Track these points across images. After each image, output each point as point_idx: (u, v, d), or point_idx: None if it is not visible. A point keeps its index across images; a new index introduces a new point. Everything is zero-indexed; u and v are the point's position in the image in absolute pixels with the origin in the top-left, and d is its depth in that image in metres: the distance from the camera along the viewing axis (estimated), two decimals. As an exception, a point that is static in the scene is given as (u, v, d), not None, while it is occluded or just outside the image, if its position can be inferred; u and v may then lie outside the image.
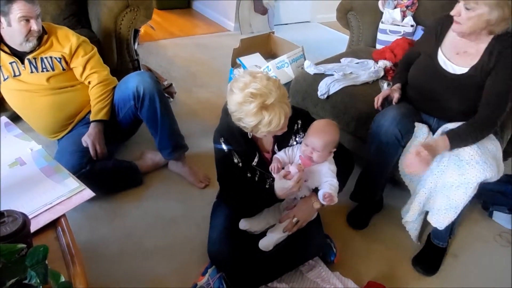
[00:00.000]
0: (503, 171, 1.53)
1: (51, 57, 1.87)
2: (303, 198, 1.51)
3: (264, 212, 1.55)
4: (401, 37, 2.53)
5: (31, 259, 0.81)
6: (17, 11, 1.68)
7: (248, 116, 1.27)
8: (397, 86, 1.81)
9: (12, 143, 1.48)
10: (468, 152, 1.49)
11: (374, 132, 1.70)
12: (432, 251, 1.79)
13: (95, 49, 2.01)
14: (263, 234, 1.52)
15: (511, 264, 1.83)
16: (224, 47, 3.64)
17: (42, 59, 1.85)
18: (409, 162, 1.51)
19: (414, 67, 1.75)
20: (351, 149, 1.99)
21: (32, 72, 1.85)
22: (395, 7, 2.65)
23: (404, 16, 2.64)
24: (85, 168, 1.79)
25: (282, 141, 1.49)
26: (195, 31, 4.27)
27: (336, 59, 2.45)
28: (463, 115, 1.59)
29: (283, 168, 1.42)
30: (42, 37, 1.84)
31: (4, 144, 1.45)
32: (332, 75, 2.18)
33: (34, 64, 1.85)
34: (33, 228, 1.07)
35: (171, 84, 2.84)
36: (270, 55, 3.02)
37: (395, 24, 2.62)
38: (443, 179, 1.54)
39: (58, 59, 1.88)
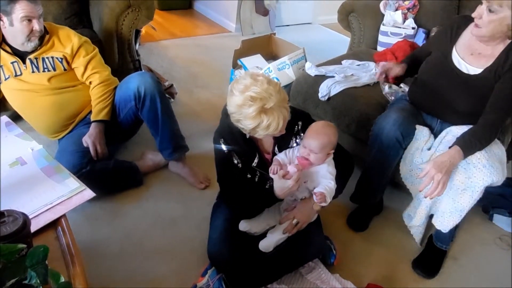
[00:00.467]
0: (506, 175, 1.53)
1: (52, 57, 1.87)
2: (303, 199, 1.52)
3: (264, 213, 1.55)
4: (402, 39, 2.53)
5: (31, 259, 0.80)
6: (19, 11, 1.69)
7: (247, 119, 1.28)
8: (402, 65, 1.77)
9: (13, 143, 1.48)
10: (476, 156, 1.49)
11: (375, 134, 1.70)
12: (433, 254, 1.79)
13: (97, 49, 2.01)
14: (263, 235, 1.52)
15: (511, 267, 1.82)
16: (225, 48, 3.64)
17: (43, 59, 1.85)
18: (429, 192, 1.47)
19: (425, 64, 1.73)
20: (352, 151, 1.99)
21: (33, 72, 1.85)
22: (397, 9, 2.66)
23: (405, 18, 2.65)
24: (86, 168, 1.79)
25: (282, 142, 1.49)
26: (196, 32, 4.27)
27: (337, 61, 2.45)
28: (468, 117, 1.59)
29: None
30: (44, 37, 1.85)
31: (4, 144, 1.45)
32: (333, 77, 2.18)
33: (36, 64, 1.85)
34: (33, 228, 1.06)
35: (172, 85, 2.84)
36: (271, 56, 3.02)
37: (397, 26, 2.62)
38: (449, 182, 1.54)
39: (60, 59, 1.89)
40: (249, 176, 1.49)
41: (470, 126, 1.57)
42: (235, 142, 1.46)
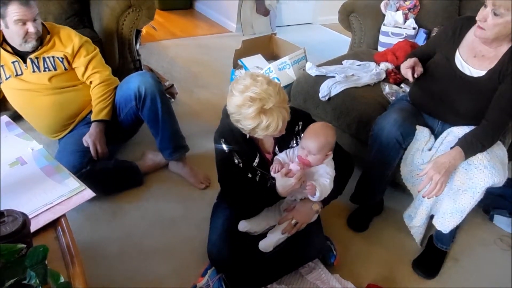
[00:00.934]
0: (507, 176, 1.52)
1: (53, 57, 1.87)
2: (302, 200, 1.52)
3: (264, 213, 1.55)
4: (403, 39, 2.53)
5: (30, 259, 0.81)
6: (12, 13, 1.68)
7: (246, 119, 1.28)
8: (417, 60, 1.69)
9: (13, 143, 1.48)
10: (477, 157, 1.48)
11: (375, 134, 1.70)
12: (433, 254, 1.78)
13: (97, 49, 2.01)
14: (263, 235, 1.52)
15: (511, 268, 1.82)
16: (225, 48, 3.64)
17: (44, 59, 1.85)
18: (427, 192, 1.49)
19: (428, 66, 1.71)
20: (352, 151, 1.99)
21: (34, 71, 1.85)
22: (397, 10, 2.65)
23: (406, 19, 2.65)
24: (86, 168, 1.79)
25: (283, 142, 1.49)
26: (197, 32, 4.27)
27: (337, 61, 2.45)
28: (470, 119, 1.59)
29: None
30: (44, 37, 1.85)
31: (5, 143, 1.45)
32: (334, 77, 2.18)
33: (36, 63, 1.85)
34: (33, 228, 1.06)
35: (172, 85, 2.84)
36: (272, 56, 3.03)
37: (397, 27, 2.62)
38: (450, 182, 1.54)
39: (60, 59, 1.89)
40: (250, 175, 1.49)
41: (471, 127, 1.57)
42: (235, 142, 1.46)
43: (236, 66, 2.85)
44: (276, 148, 1.50)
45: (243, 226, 1.51)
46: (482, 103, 1.54)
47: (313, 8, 4.79)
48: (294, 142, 1.50)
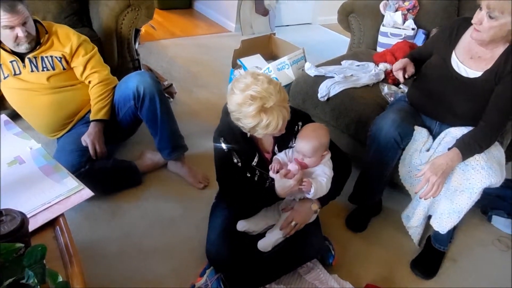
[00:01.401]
0: (504, 177, 1.53)
1: (51, 57, 1.87)
2: (301, 200, 1.52)
3: (263, 213, 1.55)
4: (402, 40, 2.53)
5: (29, 259, 0.80)
6: None
7: (247, 118, 1.28)
8: (408, 60, 1.71)
9: (12, 142, 1.47)
10: (474, 157, 1.49)
11: (373, 135, 1.70)
12: (431, 255, 1.79)
13: (96, 48, 2.00)
14: (261, 235, 1.52)
15: (510, 269, 1.83)
16: (225, 48, 3.64)
17: (42, 58, 1.85)
18: (424, 193, 1.50)
19: (425, 67, 1.72)
20: (351, 151, 2.00)
21: (32, 71, 1.85)
22: (397, 10, 2.65)
23: (405, 19, 2.65)
24: (84, 168, 1.79)
25: (282, 142, 1.50)
26: (196, 32, 4.27)
27: (337, 61, 2.45)
28: (467, 120, 1.59)
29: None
30: (42, 37, 1.84)
31: (3, 143, 1.45)
32: (333, 77, 2.18)
33: (35, 63, 1.84)
34: (31, 227, 1.06)
35: (171, 84, 2.84)
36: (271, 56, 3.02)
37: (396, 27, 2.62)
38: (447, 183, 1.54)
39: (59, 59, 1.88)
40: (248, 175, 1.49)
41: (469, 128, 1.57)
42: (235, 141, 1.46)
43: (235, 66, 2.85)
44: (276, 148, 1.51)
45: (242, 225, 1.51)
46: (478, 104, 1.55)
47: (312, 8, 4.79)
48: (294, 142, 1.50)
